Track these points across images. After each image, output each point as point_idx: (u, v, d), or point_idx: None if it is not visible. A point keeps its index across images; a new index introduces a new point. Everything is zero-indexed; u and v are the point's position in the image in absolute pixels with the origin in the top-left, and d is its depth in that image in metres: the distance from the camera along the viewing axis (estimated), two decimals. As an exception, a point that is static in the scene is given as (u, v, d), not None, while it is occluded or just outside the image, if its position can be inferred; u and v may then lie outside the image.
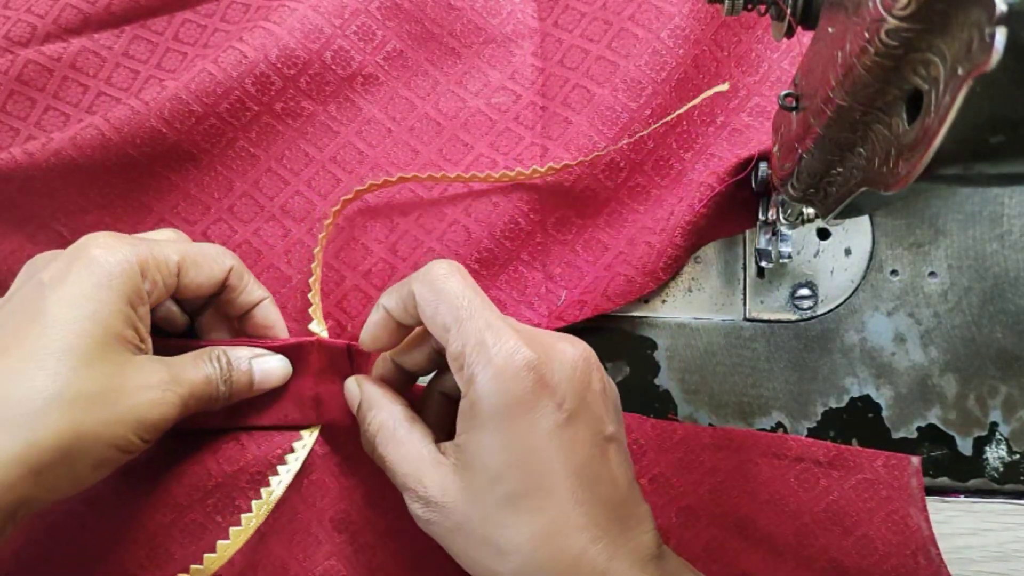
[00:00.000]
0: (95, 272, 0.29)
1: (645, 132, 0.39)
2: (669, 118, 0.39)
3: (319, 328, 0.37)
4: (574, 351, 0.30)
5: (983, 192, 0.40)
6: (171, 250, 0.32)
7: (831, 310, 0.40)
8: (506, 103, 0.40)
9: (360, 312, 0.39)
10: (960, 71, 0.18)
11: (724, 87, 0.39)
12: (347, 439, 0.37)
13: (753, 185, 0.39)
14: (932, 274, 0.40)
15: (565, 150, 0.39)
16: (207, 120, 0.38)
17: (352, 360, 0.37)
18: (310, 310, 0.37)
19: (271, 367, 0.35)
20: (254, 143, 0.39)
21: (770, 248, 0.38)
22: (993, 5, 0.16)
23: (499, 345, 0.29)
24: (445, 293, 0.30)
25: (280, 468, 0.35)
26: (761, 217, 0.39)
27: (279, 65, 0.39)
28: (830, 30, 0.24)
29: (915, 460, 0.37)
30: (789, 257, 0.38)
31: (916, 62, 0.20)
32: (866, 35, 0.21)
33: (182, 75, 0.40)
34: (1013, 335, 0.39)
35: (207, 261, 0.33)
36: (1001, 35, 0.16)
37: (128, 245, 0.31)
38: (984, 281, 0.40)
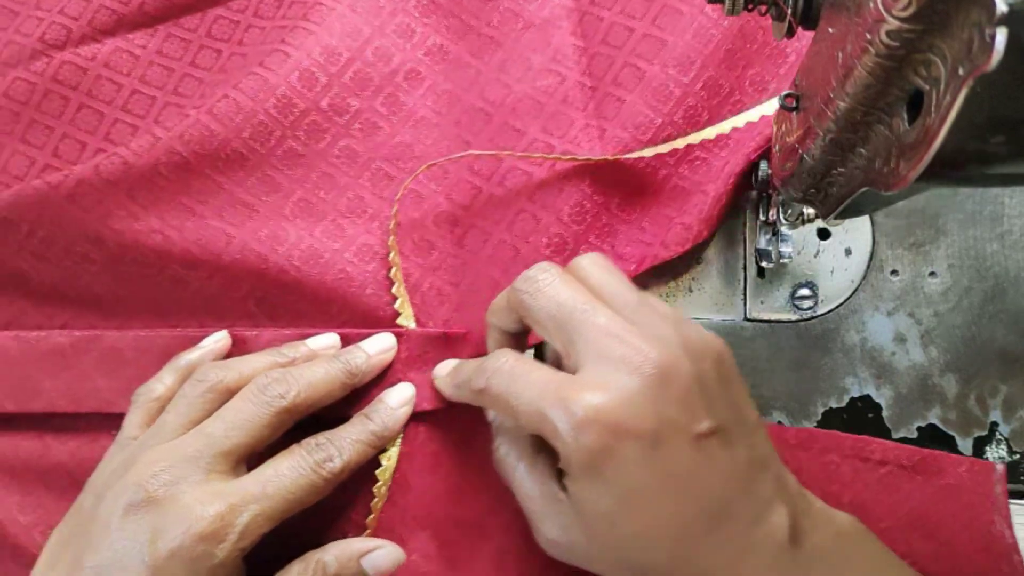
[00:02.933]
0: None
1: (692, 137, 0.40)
2: (682, 142, 0.39)
3: (407, 321, 0.37)
4: (649, 365, 0.29)
5: (983, 192, 0.40)
6: (283, 506, 0.31)
7: (831, 310, 0.40)
8: (552, 85, 0.40)
9: (437, 308, 0.38)
10: (961, 71, 0.18)
11: (772, 104, 0.39)
12: (429, 436, 0.37)
13: (753, 185, 0.39)
14: (932, 274, 0.40)
15: (623, 129, 0.39)
16: (255, 116, 0.38)
17: (449, 346, 0.37)
18: (396, 304, 0.37)
19: (384, 559, 0.34)
20: (302, 142, 0.39)
21: (770, 248, 0.38)
22: (993, 5, 0.16)
23: (565, 404, 0.28)
24: (504, 385, 0.31)
25: (382, 458, 0.36)
26: (761, 217, 0.39)
27: (322, 62, 0.39)
28: (830, 30, 0.24)
29: (999, 467, 0.36)
30: (789, 257, 0.38)
31: (917, 62, 0.20)
32: (867, 36, 0.21)
33: (218, 73, 0.40)
34: (1013, 335, 0.39)
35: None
36: (1001, 35, 0.16)
37: (236, 536, 0.30)
38: (984, 281, 0.40)
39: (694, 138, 0.39)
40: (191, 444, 0.31)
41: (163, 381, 0.35)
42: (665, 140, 0.39)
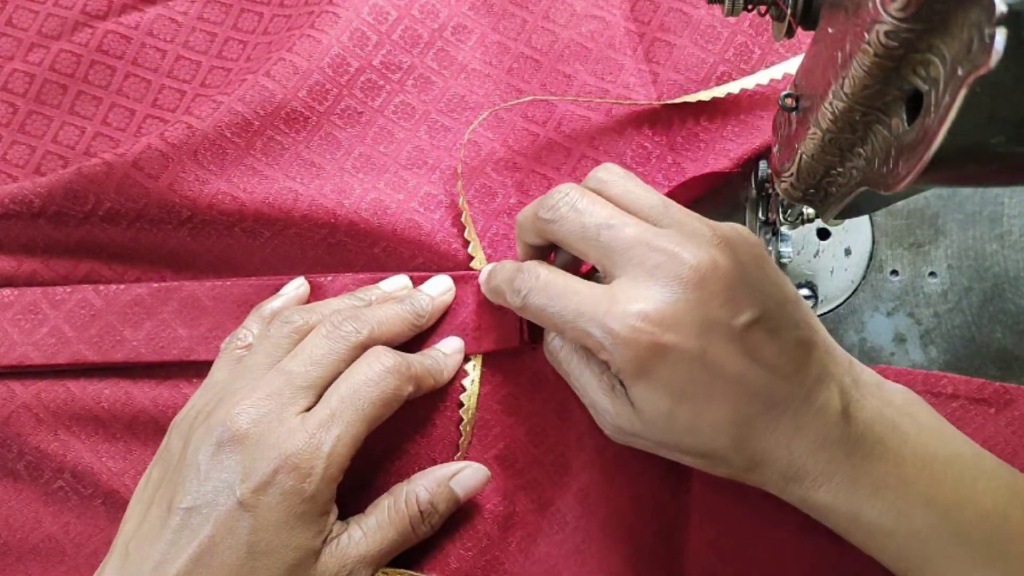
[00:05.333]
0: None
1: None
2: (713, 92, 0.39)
3: (480, 264, 0.38)
4: (686, 268, 0.29)
5: (983, 192, 0.40)
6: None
7: (831, 310, 0.40)
8: (597, 30, 0.41)
9: (506, 252, 0.39)
10: (960, 71, 0.18)
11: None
12: (506, 378, 0.37)
13: (753, 185, 0.39)
14: (932, 274, 0.40)
15: (676, 72, 0.40)
16: (311, 77, 0.39)
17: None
18: (469, 248, 0.38)
19: (471, 478, 0.35)
20: (360, 100, 0.40)
21: (770, 248, 0.38)
22: (993, 5, 0.16)
23: (605, 320, 0.29)
24: (552, 302, 0.31)
25: (461, 397, 0.37)
26: (761, 217, 0.39)
27: (372, 21, 0.40)
28: (830, 30, 0.24)
29: None
30: (789, 257, 0.38)
31: (916, 63, 0.20)
32: (866, 36, 0.21)
33: (262, 35, 0.41)
34: (1013, 335, 0.39)
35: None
36: (1001, 35, 0.16)
37: (323, 464, 0.31)
38: (984, 281, 0.40)
39: (748, 82, 0.40)
40: (272, 382, 0.32)
41: (250, 329, 0.36)
42: (719, 78, 0.40)
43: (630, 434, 0.31)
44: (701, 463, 0.31)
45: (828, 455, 0.29)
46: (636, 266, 0.30)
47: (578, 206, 0.31)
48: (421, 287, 0.37)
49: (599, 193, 0.32)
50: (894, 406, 0.31)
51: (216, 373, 0.35)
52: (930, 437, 0.31)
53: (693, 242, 0.30)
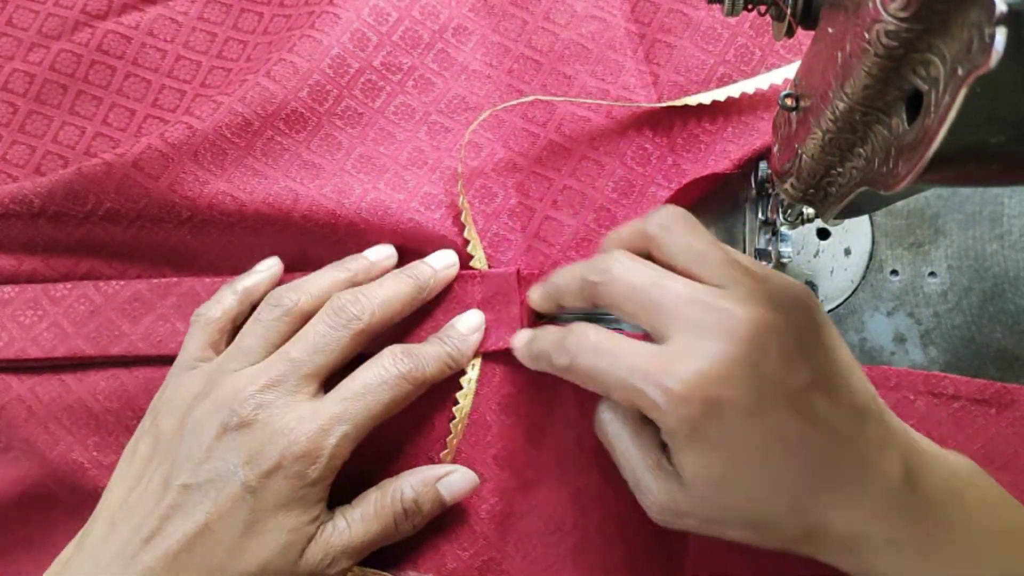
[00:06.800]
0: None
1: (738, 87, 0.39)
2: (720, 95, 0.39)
3: (480, 264, 0.38)
4: (741, 327, 0.28)
5: (983, 192, 0.40)
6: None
7: (831, 310, 0.40)
8: (597, 30, 0.41)
9: (504, 252, 0.39)
10: (960, 71, 0.18)
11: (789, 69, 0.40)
12: (504, 378, 0.37)
13: (753, 185, 0.39)
14: (932, 274, 0.40)
15: (677, 73, 0.40)
16: (311, 77, 0.39)
17: (521, 286, 0.38)
18: (468, 248, 0.38)
19: (458, 483, 0.35)
20: (360, 101, 0.40)
21: (770, 248, 0.38)
22: (993, 5, 0.16)
23: (660, 377, 0.28)
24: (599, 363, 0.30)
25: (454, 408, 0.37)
26: (761, 217, 0.39)
27: (372, 22, 0.40)
28: (830, 30, 0.24)
29: None
30: (789, 257, 0.38)
31: (916, 62, 0.20)
32: (866, 36, 0.21)
33: (262, 35, 0.41)
34: (1013, 335, 0.39)
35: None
36: (1001, 35, 0.16)
37: (328, 454, 0.31)
38: (984, 281, 0.40)
39: (748, 86, 0.39)
40: (277, 368, 0.32)
41: (221, 303, 0.36)
42: (720, 80, 0.40)
43: (675, 514, 0.30)
44: (750, 535, 0.30)
45: (891, 523, 0.29)
46: (689, 324, 0.29)
47: (629, 267, 0.31)
48: (425, 259, 0.37)
49: (659, 240, 0.32)
50: (958, 476, 0.31)
51: (192, 349, 0.35)
52: (996, 508, 0.30)
53: (747, 300, 0.29)
